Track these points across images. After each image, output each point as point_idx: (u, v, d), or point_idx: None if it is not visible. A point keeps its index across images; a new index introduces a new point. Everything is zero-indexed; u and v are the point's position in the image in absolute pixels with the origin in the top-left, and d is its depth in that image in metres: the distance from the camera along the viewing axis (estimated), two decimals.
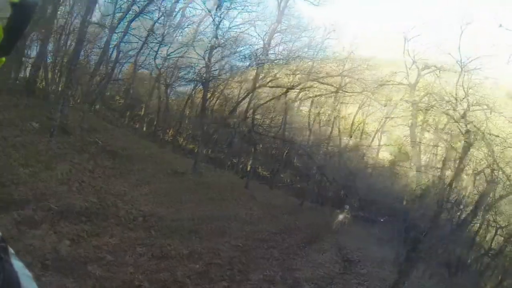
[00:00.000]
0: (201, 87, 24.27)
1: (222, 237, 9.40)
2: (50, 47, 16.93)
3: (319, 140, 30.00)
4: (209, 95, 25.45)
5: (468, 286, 12.14)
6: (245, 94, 25.03)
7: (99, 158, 9.53)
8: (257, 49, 26.40)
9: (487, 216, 13.40)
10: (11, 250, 1.01)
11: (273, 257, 8.89)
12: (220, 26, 26.43)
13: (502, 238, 12.89)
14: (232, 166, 32.04)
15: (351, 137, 32.45)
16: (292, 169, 30.90)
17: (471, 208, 12.58)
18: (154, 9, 19.53)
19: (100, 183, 7.68)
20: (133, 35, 20.83)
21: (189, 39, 25.72)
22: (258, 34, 31.42)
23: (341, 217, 18.71)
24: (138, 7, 16.43)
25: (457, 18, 15.57)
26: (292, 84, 28.76)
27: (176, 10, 21.19)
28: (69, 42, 23.05)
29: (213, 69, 20.79)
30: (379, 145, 32.09)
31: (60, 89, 23.20)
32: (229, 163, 32.47)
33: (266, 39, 20.89)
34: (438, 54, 19.19)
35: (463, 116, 16.34)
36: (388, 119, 32.12)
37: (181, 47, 26.16)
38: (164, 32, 24.18)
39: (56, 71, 22.70)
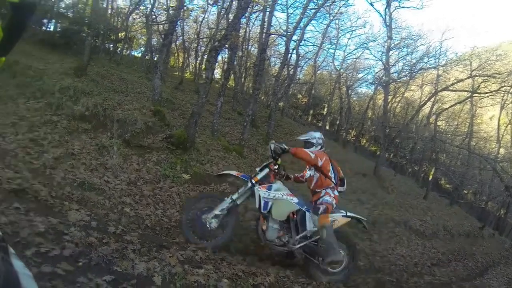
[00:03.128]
0: (382, 89, 24.17)
1: (395, 243, 9.40)
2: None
3: (510, 155, 25.62)
4: (390, 97, 25.58)
5: None
6: (427, 98, 23.84)
7: None
8: (378, 71, 25.04)
9: None
10: (11, 250, 1.04)
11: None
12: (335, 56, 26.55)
13: None
14: (413, 173, 30.35)
15: None
16: (474, 185, 27.02)
17: None
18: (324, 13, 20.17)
19: None
20: (306, 40, 22.40)
21: (362, 40, 26.06)
22: (374, 56, 29.21)
23: None
24: (309, 13, 16.91)
25: None
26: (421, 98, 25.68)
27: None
28: (251, 49, 26.89)
29: (392, 71, 20.28)
30: None
31: (245, 89, 26.50)
32: (410, 170, 30.91)
33: (384, 58, 19.47)
34: None
35: None
36: None
37: (355, 49, 26.72)
38: (338, 35, 25.19)
39: (243, 73, 25.94)
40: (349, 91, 29.37)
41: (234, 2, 17.05)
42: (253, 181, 4.52)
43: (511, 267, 14.78)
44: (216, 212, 4.37)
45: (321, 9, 17.53)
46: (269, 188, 4.46)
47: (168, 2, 19.63)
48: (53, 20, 21.62)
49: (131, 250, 3.47)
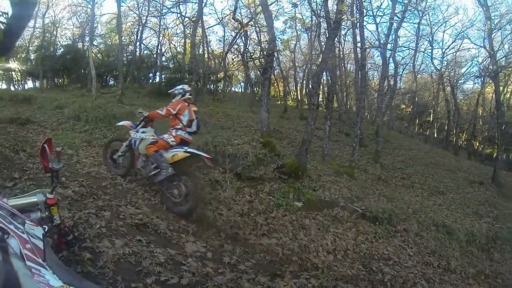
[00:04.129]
0: (490, 81, 21.54)
1: None
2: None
3: None
4: (501, 88, 22.32)
5: None
6: None
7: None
8: (483, 60, 21.68)
9: None
10: (11, 250, 1.03)
11: None
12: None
13: None
14: None
15: None
16: None
17: None
18: (413, 11, 18.57)
19: None
20: (402, 46, 21.69)
21: (459, 30, 23.78)
22: (474, 44, 25.54)
23: None
24: (398, 18, 16.20)
25: None
26: None
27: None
28: (348, 66, 26.93)
29: (498, 56, 17.72)
30: None
31: (348, 107, 25.50)
32: None
33: (487, 44, 16.97)
34: None
35: None
36: None
37: (453, 42, 24.44)
38: (432, 31, 23.51)
39: (344, 92, 25.86)
40: (455, 90, 26.73)
41: (323, 24, 17.01)
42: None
43: None
44: (119, 153, 6.19)
45: (409, 7, 16.46)
46: (137, 131, 5.93)
47: (260, 37, 20.54)
48: (158, 73, 24.49)
49: (245, 279, 3.55)
